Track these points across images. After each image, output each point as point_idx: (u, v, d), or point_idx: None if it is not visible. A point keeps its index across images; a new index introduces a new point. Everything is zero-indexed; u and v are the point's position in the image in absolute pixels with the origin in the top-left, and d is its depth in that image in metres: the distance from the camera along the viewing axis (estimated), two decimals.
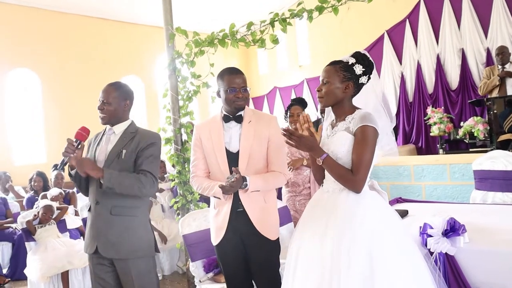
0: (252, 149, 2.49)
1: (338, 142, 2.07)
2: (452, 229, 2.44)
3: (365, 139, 2.00)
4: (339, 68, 2.11)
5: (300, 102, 4.11)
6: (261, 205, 2.52)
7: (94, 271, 2.63)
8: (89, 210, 2.62)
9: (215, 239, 2.60)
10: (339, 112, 2.17)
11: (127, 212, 2.54)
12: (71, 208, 5.48)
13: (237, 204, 2.50)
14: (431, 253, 2.44)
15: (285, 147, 2.63)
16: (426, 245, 2.47)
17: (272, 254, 2.55)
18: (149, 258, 2.63)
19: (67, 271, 4.29)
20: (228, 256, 2.58)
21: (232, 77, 2.48)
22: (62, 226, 4.78)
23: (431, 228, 2.50)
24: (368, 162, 2.00)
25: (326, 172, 2.18)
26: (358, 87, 2.14)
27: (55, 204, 4.82)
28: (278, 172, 2.54)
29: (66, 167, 2.55)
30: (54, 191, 5.41)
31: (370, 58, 2.14)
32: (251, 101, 11.41)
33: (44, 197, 5.33)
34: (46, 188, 5.85)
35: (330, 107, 2.30)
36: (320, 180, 2.26)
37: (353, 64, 2.10)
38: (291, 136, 2.03)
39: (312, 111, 9.83)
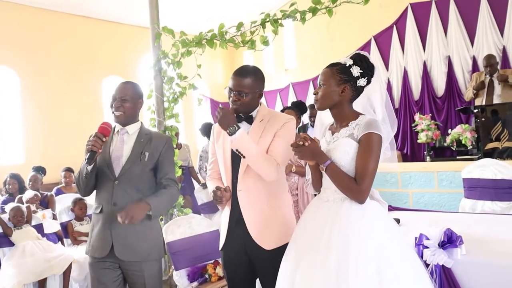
0: None
1: (341, 149, 1.97)
2: (449, 241, 2.37)
3: (370, 147, 1.91)
4: (335, 70, 2.03)
5: (297, 106, 4.00)
6: (262, 209, 2.34)
7: (97, 277, 2.52)
8: (100, 212, 2.51)
9: (220, 243, 2.48)
10: (340, 117, 2.07)
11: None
12: (48, 212, 5.26)
13: (237, 209, 2.35)
14: (427, 265, 2.36)
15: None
16: (422, 257, 2.39)
17: (270, 266, 2.26)
18: (159, 261, 2.66)
19: (45, 279, 4.08)
20: (229, 263, 2.44)
21: (233, 77, 2.36)
22: (39, 230, 4.56)
23: (427, 239, 2.43)
24: (373, 171, 1.91)
25: (325, 181, 2.07)
26: (357, 90, 2.04)
27: (24, 206, 4.59)
28: (272, 157, 2.32)
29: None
30: (29, 194, 5.20)
31: (370, 60, 2.05)
32: None
33: (20, 200, 5.11)
34: (22, 190, 5.62)
35: (321, 113, 2.21)
36: (318, 188, 2.15)
37: (350, 66, 2.02)
38: (296, 149, 1.96)
39: None
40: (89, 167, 2.41)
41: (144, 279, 2.49)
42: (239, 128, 2.22)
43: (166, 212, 2.41)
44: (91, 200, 3.21)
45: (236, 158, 2.37)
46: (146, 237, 2.51)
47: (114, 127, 2.61)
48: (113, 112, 2.55)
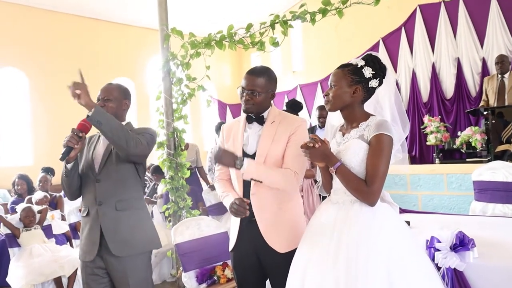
0: (269, 152, 2.32)
1: (351, 151, 1.94)
2: (461, 243, 2.33)
3: (381, 148, 1.88)
4: (347, 71, 2.00)
5: (291, 107, 3.97)
6: (274, 212, 2.32)
7: (86, 281, 2.50)
8: (87, 215, 2.48)
9: (230, 245, 2.47)
10: (350, 118, 2.05)
11: (132, 205, 2.49)
12: (57, 213, 5.29)
13: (249, 211, 2.30)
14: (439, 268, 2.32)
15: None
16: (433, 260, 2.35)
17: (281, 268, 2.23)
18: (147, 255, 2.56)
19: (60, 276, 4.09)
20: (239, 264, 2.43)
21: (246, 76, 2.36)
22: (48, 231, 4.59)
23: (439, 242, 2.39)
24: (383, 173, 1.88)
25: (335, 183, 2.05)
26: (368, 91, 2.02)
27: (36, 207, 4.62)
28: (289, 169, 2.30)
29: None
30: (38, 195, 5.22)
31: (381, 62, 2.03)
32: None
33: (29, 200, 5.14)
34: (31, 191, 5.66)
35: (330, 115, 2.20)
36: (328, 190, 2.13)
37: (362, 67, 1.99)
38: (306, 150, 1.94)
39: (305, 118, 9.76)
40: (68, 165, 2.38)
41: (127, 278, 2.42)
42: (242, 159, 2.22)
43: (110, 131, 2.31)
44: None
45: (247, 157, 2.35)
46: (139, 229, 2.48)
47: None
48: None
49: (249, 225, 2.34)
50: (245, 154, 2.37)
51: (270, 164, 2.32)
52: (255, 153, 2.35)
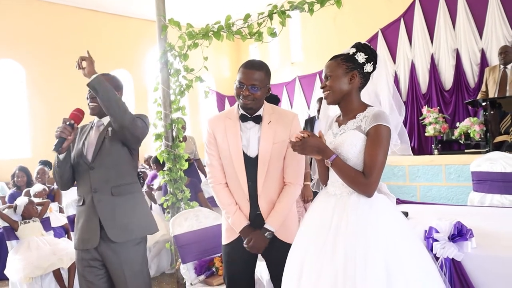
0: (272, 154, 2.31)
1: (348, 142, 1.93)
2: (459, 234, 2.33)
3: (379, 139, 1.87)
4: (340, 60, 2.00)
5: (270, 101, 3.97)
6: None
7: (83, 274, 2.49)
8: (82, 204, 2.47)
9: (227, 239, 2.45)
10: (348, 108, 2.03)
11: (127, 190, 2.48)
12: (55, 205, 5.30)
13: (255, 207, 2.35)
14: (437, 258, 2.33)
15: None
16: (431, 250, 2.36)
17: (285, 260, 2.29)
18: (142, 242, 2.56)
19: (59, 269, 4.09)
20: (235, 258, 2.42)
21: (245, 71, 2.28)
22: (46, 224, 4.59)
23: (437, 232, 2.40)
24: (381, 164, 1.88)
25: (331, 174, 2.04)
26: (364, 77, 2.01)
27: (36, 200, 4.62)
28: (289, 183, 2.37)
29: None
30: (37, 187, 5.22)
31: (372, 47, 2.03)
32: None
33: (27, 193, 5.13)
34: (29, 183, 5.65)
35: (327, 106, 2.19)
36: (325, 181, 2.13)
37: (354, 54, 1.99)
38: (295, 145, 1.93)
39: (304, 109, 9.74)
40: (61, 156, 2.37)
41: (123, 271, 2.42)
42: (270, 230, 2.30)
43: (108, 101, 2.27)
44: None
45: (249, 160, 2.34)
46: (136, 214, 2.47)
47: (93, 121, 2.58)
48: (88, 104, 2.50)
49: (255, 218, 2.36)
50: (246, 156, 2.34)
51: (275, 166, 2.34)
52: (257, 155, 2.33)
